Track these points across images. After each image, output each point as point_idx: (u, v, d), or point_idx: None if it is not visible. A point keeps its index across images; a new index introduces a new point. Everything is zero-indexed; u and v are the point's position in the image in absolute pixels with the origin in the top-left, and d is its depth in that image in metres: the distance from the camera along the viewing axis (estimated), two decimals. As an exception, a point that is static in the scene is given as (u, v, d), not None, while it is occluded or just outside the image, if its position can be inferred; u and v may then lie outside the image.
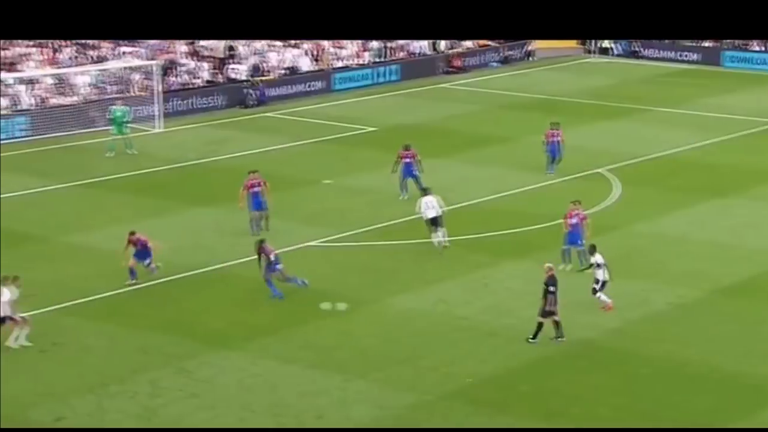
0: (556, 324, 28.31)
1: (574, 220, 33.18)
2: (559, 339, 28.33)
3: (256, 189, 35.89)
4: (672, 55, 68.77)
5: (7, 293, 27.76)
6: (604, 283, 30.25)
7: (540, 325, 28.19)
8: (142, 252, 31.73)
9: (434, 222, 34.84)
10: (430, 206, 34.88)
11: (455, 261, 34.04)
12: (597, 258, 30.32)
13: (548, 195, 40.99)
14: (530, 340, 28.16)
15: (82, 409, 24.83)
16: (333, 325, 29.43)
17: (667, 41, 67.31)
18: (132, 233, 31.88)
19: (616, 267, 33.63)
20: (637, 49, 69.87)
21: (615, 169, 44.24)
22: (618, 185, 42.23)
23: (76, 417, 24.51)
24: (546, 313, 28.19)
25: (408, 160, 39.83)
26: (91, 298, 30.66)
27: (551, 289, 28.10)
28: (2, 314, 27.66)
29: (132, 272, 31.64)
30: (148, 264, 31.75)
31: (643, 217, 38.61)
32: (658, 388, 26.34)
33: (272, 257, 31.03)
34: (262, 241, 31.50)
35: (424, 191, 35.92)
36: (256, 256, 31.45)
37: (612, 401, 25.60)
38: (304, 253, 34.76)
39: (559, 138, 42.87)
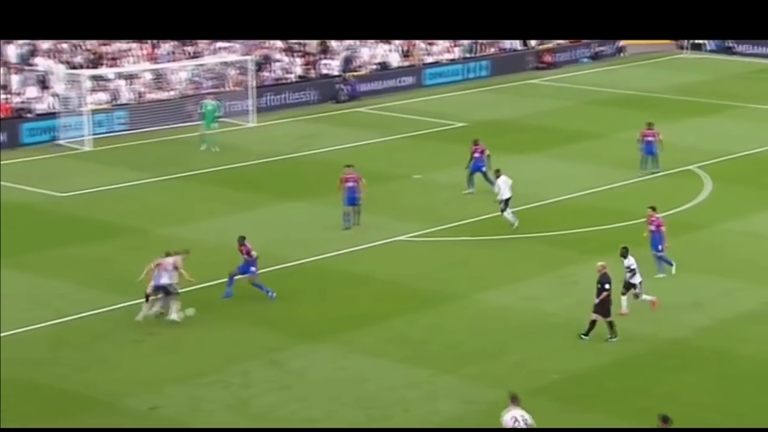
0: (592, 324, 28.13)
1: (652, 227, 32.74)
2: (584, 337, 28.22)
3: (350, 184, 36.16)
4: (766, 51, 67.84)
5: (173, 264, 29.08)
6: (640, 285, 29.60)
7: (610, 324, 28.10)
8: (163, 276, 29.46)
9: (508, 203, 35.85)
10: (505, 187, 35.87)
11: (544, 257, 34.12)
12: (630, 261, 29.57)
13: (638, 192, 40.84)
14: (611, 340, 28.11)
15: (177, 399, 25.36)
16: (422, 320, 29.71)
17: (761, 37, 66.45)
18: (168, 253, 29.74)
19: (707, 264, 33.64)
20: (730, 45, 69.09)
21: (706, 166, 43.95)
22: (709, 182, 41.95)
23: (170, 406, 25.04)
24: (602, 311, 28.03)
25: (477, 154, 39.83)
26: (186, 290, 31.11)
27: (606, 287, 27.99)
28: (165, 282, 28.86)
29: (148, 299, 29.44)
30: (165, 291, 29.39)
31: (734, 214, 38.33)
32: (749, 388, 26.21)
33: (252, 256, 30.57)
34: (243, 238, 30.86)
35: (497, 172, 36.70)
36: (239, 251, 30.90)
37: (701, 400, 25.53)
38: (393, 247, 35.09)
39: (652, 138, 42.31)
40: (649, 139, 42.35)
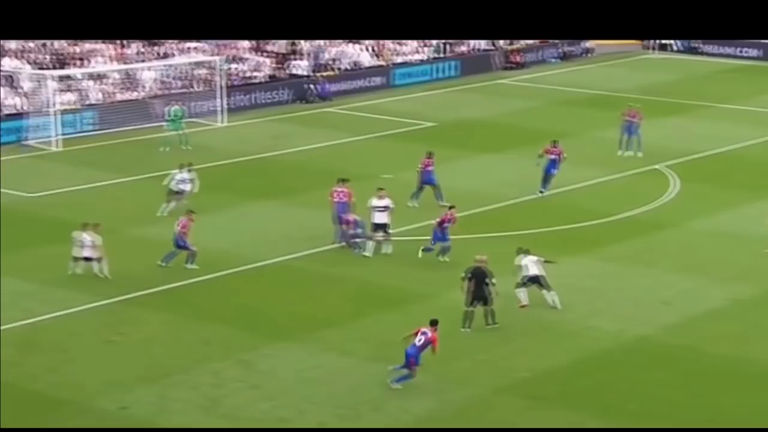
0: (491, 312, 29.08)
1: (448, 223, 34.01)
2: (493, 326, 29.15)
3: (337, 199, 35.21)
4: (732, 51, 68.41)
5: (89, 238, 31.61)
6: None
7: (468, 313, 28.94)
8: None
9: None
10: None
11: (512, 256, 34.21)
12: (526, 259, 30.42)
13: (606, 191, 41.16)
14: (463, 329, 28.85)
15: (146, 399, 25.33)
16: (392, 318, 29.77)
17: (727, 37, 67.00)
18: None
19: (675, 263, 33.87)
20: (696, 45, 69.57)
21: (674, 166, 44.26)
22: (676, 181, 42.24)
23: (139, 406, 25.01)
24: (474, 301, 28.90)
25: (430, 168, 39.17)
26: (155, 290, 31.22)
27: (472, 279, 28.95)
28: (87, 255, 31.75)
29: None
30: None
31: (702, 213, 38.61)
32: (716, 384, 26.43)
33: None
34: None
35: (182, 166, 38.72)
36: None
37: (670, 397, 25.69)
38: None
39: (553, 156, 40.57)
40: (553, 157, 40.77)
